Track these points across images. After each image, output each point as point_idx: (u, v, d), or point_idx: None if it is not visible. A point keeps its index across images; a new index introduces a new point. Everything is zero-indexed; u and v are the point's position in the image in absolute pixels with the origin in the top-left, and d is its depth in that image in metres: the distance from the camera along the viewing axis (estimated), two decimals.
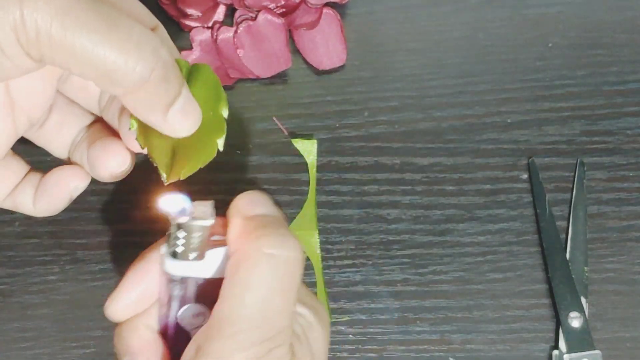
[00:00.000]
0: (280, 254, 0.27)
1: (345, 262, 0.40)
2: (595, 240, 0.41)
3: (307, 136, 0.42)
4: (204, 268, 0.28)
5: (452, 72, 0.44)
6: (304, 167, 0.42)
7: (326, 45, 0.44)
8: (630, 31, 0.45)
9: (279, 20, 0.43)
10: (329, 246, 0.40)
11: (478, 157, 0.42)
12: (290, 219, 0.41)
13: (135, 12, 0.31)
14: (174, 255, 0.28)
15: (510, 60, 0.44)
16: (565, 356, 0.38)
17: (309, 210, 0.41)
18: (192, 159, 0.29)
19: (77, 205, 0.38)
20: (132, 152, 0.31)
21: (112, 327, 0.39)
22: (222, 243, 0.28)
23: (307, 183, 0.42)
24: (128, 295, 0.30)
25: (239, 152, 0.42)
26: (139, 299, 0.30)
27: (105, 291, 0.39)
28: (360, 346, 0.39)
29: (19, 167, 0.33)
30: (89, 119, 0.33)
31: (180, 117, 0.28)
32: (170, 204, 0.28)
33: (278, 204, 0.41)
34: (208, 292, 0.29)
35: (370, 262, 0.40)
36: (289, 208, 0.41)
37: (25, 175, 0.33)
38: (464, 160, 0.42)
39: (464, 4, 0.46)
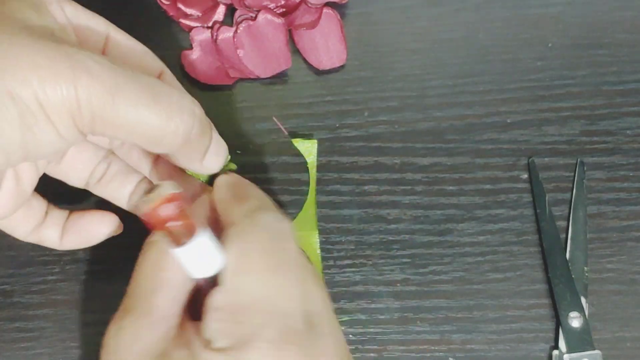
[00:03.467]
0: None
1: (345, 262, 0.40)
2: (595, 240, 0.41)
3: (307, 136, 0.42)
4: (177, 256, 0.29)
5: (452, 72, 0.44)
6: (304, 167, 0.42)
7: (326, 45, 0.44)
8: (630, 31, 0.45)
9: (279, 20, 0.43)
10: (329, 246, 0.40)
11: (478, 157, 0.42)
12: (290, 219, 0.41)
13: (145, 60, 0.34)
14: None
15: (510, 60, 0.44)
16: (565, 356, 0.38)
17: (309, 210, 0.41)
18: None
19: (78, 205, 0.38)
20: None
21: None
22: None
23: (307, 183, 0.42)
24: None
25: (239, 152, 0.42)
26: None
27: (105, 291, 0.40)
28: (360, 346, 0.39)
29: (39, 204, 0.35)
30: (102, 151, 0.36)
31: (214, 159, 0.32)
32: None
33: (279, 204, 0.41)
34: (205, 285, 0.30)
35: (370, 262, 0.40)
36: (289, 208, 0.41)
37: (47, 211, 0.35)
38: (464, 160, 0.42)
39: (464, 4, 0.46)
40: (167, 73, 0.35)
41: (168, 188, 0.28)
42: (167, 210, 0.27)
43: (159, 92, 0.28)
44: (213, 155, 0.31)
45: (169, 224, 0.27)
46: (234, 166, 0.36)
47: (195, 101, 0.30)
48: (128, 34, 0.34)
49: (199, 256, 0.28)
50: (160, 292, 0.29)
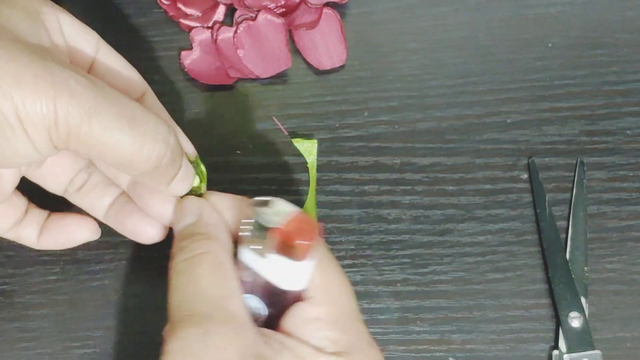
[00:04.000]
0: None
1: (345, 262, 0.40)
2: (595, 240, 0.41)
3: (307, 136, 0.42)
4: (266, 268, 0.29)
5: (452, 72, 0.44)
6: (304, 167, 0.42)
7: (326, 45, 0.44)
8: (630, 31, 0.45)
9: (279, 20, 0.43)
10: (329, 246, 0.40)
11: (478, 157, 0.42)
12: None
13: (130, 78, 0.35)
14: (241, 239, 0.29)
15: (510, 60, 0.44)
16: (565, 356, 0.38)
17: (309, 210, 0.41)
18: None
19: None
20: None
21: (112, 327, 0.39)
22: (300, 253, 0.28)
23: (307, 183, 0.42)
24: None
25: (239, 152, 0.42)
26: None
27: (105, 291, 0.40)
28: None
29: (20, 202, 0.36)
30: (82, 161, 0.36)
31: (180, 184, 0.32)
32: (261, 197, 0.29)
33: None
34: (275, 296, 0.30)
35: (370, 262, 0.40)
36: None
37: (27, 209, 0.36)
38: (464, 160, 0.42)
39: (464, 4, 0.46)
40: (150, 94, 0.36)
41: (286, 205, 0.29)
42: (301, 226, 0.28)
43: (136, 117, 0.29)
44: (179, 181, 0.32)
45: (299, 241, 0.28)
46: (203, 188, 0.35)
47: (172, 129, 0.30)
48: (116, 51, 0.35)
49: (306, 272, 0.29)
50: (234, 299, 0.29)
